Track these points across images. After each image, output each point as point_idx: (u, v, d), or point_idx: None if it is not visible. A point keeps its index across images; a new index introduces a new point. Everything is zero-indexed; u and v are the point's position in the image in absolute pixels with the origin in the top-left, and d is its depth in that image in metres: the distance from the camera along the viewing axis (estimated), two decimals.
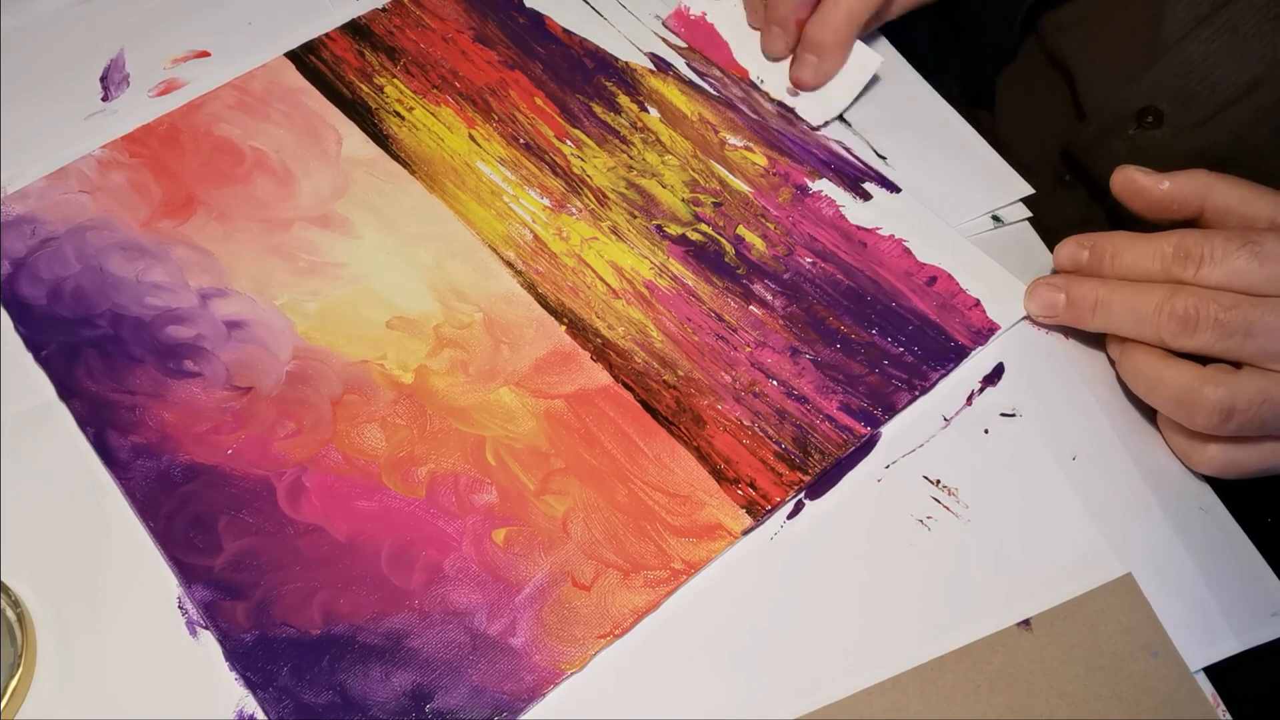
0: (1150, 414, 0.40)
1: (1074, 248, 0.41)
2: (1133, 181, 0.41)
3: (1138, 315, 0.38)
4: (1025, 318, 0.42)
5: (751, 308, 0.42)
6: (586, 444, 0.39)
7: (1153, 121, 0.49)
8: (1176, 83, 0.48)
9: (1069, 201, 0.55)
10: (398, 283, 0.43)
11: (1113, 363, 0.41)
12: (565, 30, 0.50)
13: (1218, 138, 0.48)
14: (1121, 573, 0.37)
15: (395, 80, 0.49)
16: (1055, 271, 0.42)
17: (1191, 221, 0.40)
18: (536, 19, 0.51)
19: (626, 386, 0.40)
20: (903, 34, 0.51)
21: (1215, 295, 0.36)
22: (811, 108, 0.48)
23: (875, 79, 0.48)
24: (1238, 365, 0.37)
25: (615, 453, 0.39)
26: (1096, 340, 0.42)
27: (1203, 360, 0.37)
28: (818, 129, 0.47)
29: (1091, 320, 0.40)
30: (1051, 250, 0.43)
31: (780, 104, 0.48)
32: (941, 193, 0.46)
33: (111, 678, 0.35)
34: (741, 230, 0.44)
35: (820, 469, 0.39)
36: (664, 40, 0.50)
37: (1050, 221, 0.46)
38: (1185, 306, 0.37)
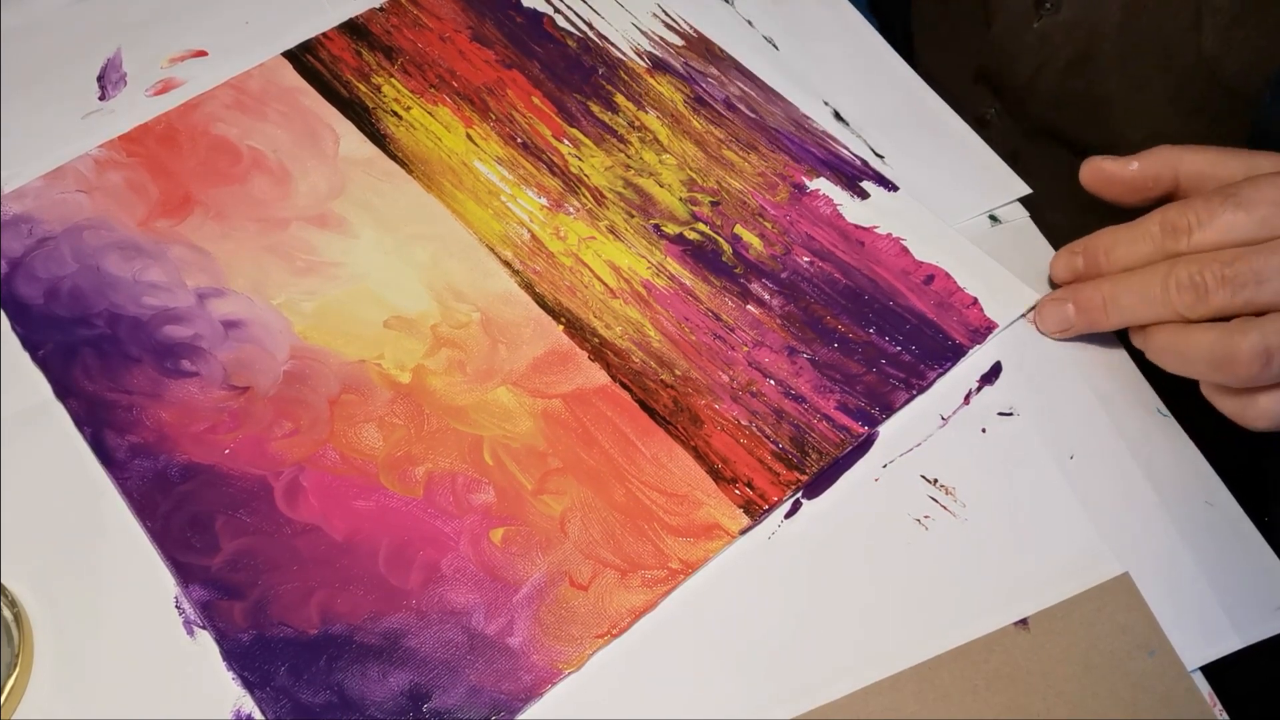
0: (1148, 412, 0.40)
1: (1067, 257, 0.41)
2: (1102, 170, 0.41)
3: (1148, 298, 0.38)
4: (1023, 316, 0.42)
5: (749, 307, 0.42)
6: (584, 443, 0.39)
7: (1051, 8, 0.48)
8: None
9: (999, 141, 0.52)
10: (395, 282, 0.43)
11: (1133, 357, 0.40)
12: (562, 30, 0.50)
13: (1111, 9, 0.48)
14: (1119, 572, 0.37)
15: (393, 79, 0.49)
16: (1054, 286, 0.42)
17: (1169, 196, 0.40)
18: (534, 18, 0.51)
19: (624, 386, 0.40)
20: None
21: (1214, 255, 0.36)
22: None
23: None
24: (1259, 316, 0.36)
25: (613, 452, 0.39)
26: (1094, 338, 0.42)
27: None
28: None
29: (1105, 319, 0.39)
30: (1048, 248, 0.43)
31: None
32: (939, 192, 0.46)
33: (109, 677, 0.35)
34: (739, 229, 0.44)
35: (817, 468, 0.39)
36: (661, 40, 0.50)
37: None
38: (1190, 274, 0.36)
